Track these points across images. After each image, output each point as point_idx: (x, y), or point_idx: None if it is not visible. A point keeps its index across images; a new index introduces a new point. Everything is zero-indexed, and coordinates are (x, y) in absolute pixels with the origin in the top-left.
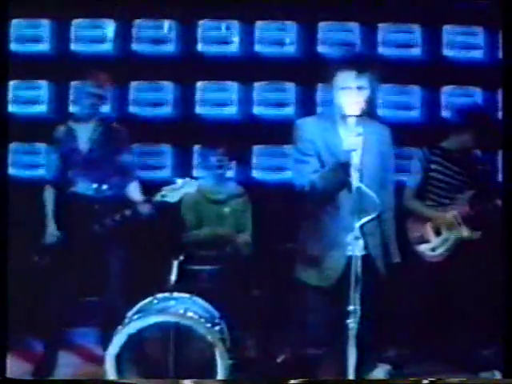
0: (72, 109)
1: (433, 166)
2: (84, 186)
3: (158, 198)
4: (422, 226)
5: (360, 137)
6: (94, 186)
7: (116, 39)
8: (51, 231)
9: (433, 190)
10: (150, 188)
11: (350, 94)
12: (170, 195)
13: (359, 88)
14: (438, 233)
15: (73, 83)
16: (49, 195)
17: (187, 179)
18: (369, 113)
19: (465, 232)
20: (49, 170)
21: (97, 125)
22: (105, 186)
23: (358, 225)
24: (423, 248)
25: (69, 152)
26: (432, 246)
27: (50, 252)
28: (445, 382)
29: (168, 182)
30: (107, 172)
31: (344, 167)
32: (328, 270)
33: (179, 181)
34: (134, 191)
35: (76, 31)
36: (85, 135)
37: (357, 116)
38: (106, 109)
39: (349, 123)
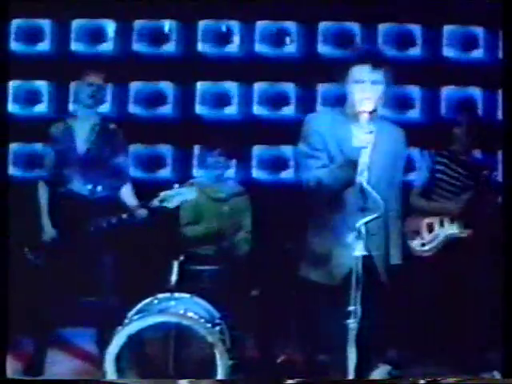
0: (71, 107)
1: (438, 167)
2: (79, 186)
3: (155, 203)
4: (419, 222)
5: (371, 134)
6: (89, 187)
7: (116, 39)
8: (47, 229)
9: (437, 190)
10: (149, 189)
11: (363, 87)
12: (169, 201)
13: (374, 82)
14: (431, 229)
15: (73, 83)
16: (42, 192)
17: (187, 186)
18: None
19: (455, 229)
20: (43, 165)
21: (95, 124)
22: (99, 188)
23: (358, 224)
24: (414, 244)
25: (65, 150)
26: (422, 242)
27: (47, 250)
28: (444, 382)
29: (168, 183)
30: (102, 173)
31: (352, 164)
32: (334, 268)
33: (176, 186)
34: (127, 194)
35: (76, 31)
36: (82, 134)
37: (370, 112)
38: (105, 108)
39: (361, 119)
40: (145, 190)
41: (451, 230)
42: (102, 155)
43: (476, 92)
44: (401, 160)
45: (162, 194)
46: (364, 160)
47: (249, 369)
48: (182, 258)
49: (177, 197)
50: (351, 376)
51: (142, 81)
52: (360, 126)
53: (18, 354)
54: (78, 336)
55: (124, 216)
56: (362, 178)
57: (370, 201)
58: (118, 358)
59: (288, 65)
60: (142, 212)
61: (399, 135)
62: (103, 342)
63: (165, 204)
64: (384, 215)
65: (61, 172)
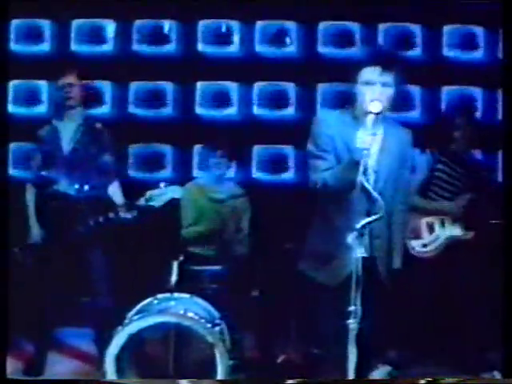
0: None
1: (438, 167)
2: (66, 186)
3: (142, 201)
4: (418, 221)
5: (375, 136)
6: (76, 186)
7: (116, 39)
8: (35, 231)
9: (436, 190)
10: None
11: (373, 89)
12: (155, 200)
13: (384, 84)
14: (431, 229)
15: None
16: (30, 194)
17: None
18: (390, 112)
19: (457, 231)
20: (30, 168)
21: (80, 124)
22: (86, 187)
23: (359, 225)
24: (415, 244)
25: (51, 150)
26: (423, 242)
27: (35, 251)
28: (444, 382)
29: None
30: (89, 172)
31: (356, 166)
32: (336, 269)
33: (162, 185)
34: (114, 193)
35: (76, 31)
36: (67, 134)
37: (376, 114)
38: (105, 109)
39: (367, 121)
40: (145, 191)
41: (453, 231)
42: (88, 154)
43: (476, 92)
44: (407, 163)
45: (148, 193)
46: (371, 162)
47: (249, 369)
48: (181, 258)
49: (163, 195)
50: (351, 376)
51: (142, 81)
52: (365, 128)
53: (18, 354)
54: (78, 336)
55: (111, 215)
56: (364, 179)
57: (375, 203)
58: (118, 358)
59: (288, 65)
60: (129, 210)
61: (406, 137)
62: (103, 343)
63: (151, 203)
64: (388, 217)
65: (48, 173)
